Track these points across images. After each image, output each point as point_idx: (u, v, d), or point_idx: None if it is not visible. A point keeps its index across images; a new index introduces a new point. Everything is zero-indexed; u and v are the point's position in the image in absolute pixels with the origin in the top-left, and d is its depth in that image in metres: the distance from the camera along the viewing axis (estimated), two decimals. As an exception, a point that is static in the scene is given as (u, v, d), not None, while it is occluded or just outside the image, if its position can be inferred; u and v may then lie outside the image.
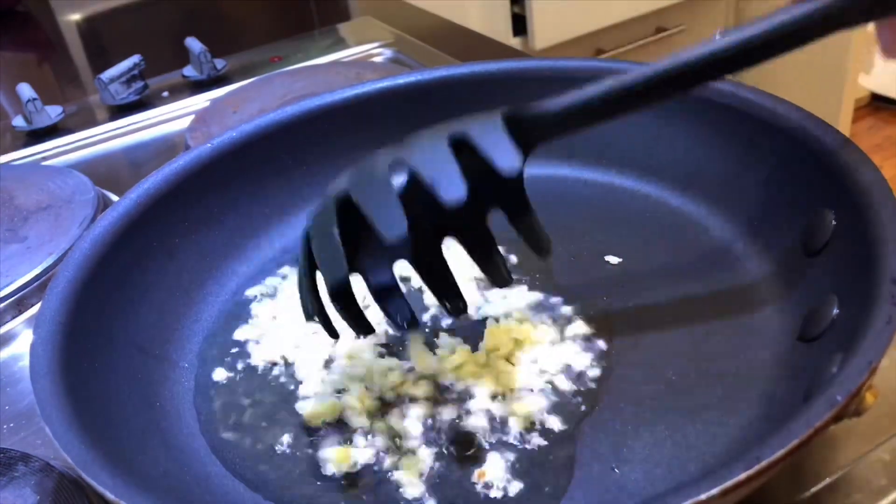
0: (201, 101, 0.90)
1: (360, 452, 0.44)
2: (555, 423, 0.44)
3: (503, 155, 0.38)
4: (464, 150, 0.38)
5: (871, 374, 0.33)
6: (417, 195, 0.38)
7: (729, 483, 0.30)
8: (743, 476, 0.30)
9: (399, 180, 0.39)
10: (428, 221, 0.40)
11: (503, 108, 0.40)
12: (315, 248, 0.40)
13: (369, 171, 0.40)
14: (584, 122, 0.39)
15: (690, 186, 0.58)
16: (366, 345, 0.50)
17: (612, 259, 0.55)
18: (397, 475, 0.42)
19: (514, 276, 0.52)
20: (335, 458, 0.43)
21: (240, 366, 0.51)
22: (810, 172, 0.48)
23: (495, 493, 0.40)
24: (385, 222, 0.36)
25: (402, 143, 0.41)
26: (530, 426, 0.44)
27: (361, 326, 0.42)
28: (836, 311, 0.41)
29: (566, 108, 0.39)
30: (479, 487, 0.41)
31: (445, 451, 0.43)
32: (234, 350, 0.52)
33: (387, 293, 0.42)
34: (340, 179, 0.41)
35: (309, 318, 0.43)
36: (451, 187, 0.36)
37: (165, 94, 0.93)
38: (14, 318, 0.59)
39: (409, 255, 0.42)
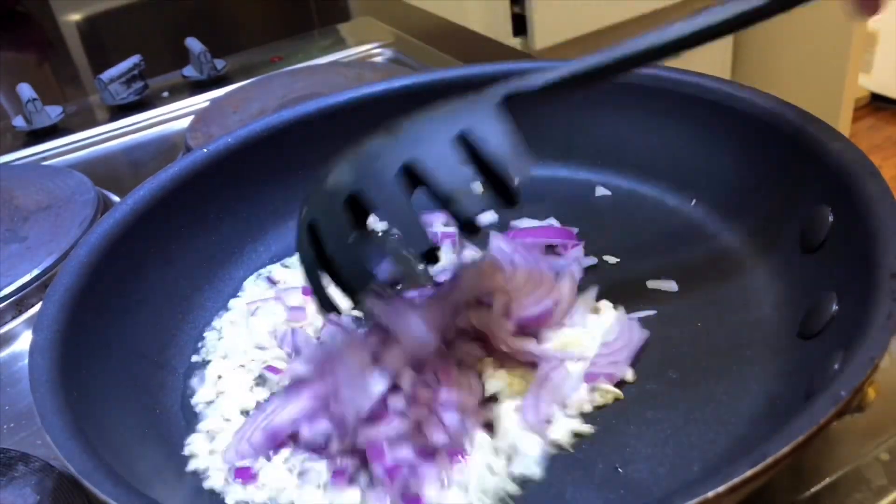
0: (201, 101, 0.90)
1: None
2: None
3: (516, 166, 0.39)
4: (467, 144, 0.40)
5: (874, 369, 0.33)
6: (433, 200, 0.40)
7: (736, 480, 0.30)
8: (750, 473, 0.30)
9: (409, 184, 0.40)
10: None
11: (496, 90, 0.41)
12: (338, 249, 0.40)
13: (380, 174, 0.40)
14: (561, 94, 0.42)
15: (690, 186, 0.58)
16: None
17: (611, 259, 0.55)
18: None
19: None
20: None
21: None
22: (809, 171, 0.48)
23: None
24: (415, 241, 0.39)
25: (402, 134, 0.42)
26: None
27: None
28: (835, 307, 0.41)
29: (548, 84, 0.41)
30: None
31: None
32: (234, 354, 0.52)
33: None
34: (342, 171, 0.41)
35: (329, 310, 0.42)
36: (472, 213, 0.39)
37: (165, 94, 0.93)
38: (14, 318, 0.59)
39: None
